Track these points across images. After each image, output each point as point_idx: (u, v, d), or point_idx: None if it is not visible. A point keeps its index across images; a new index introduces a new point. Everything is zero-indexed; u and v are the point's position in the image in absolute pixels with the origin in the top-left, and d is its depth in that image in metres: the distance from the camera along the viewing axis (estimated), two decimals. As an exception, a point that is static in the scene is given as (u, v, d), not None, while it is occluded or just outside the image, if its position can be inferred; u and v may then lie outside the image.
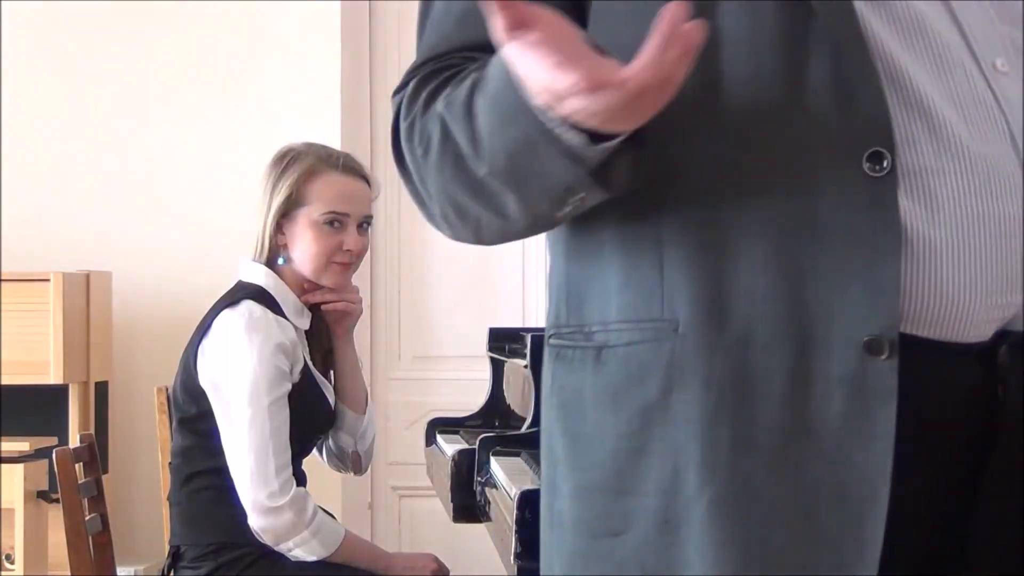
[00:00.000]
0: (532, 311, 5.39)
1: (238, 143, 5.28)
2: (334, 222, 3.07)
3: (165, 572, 3.12)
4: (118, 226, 5.34)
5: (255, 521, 2.96)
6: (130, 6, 5.33)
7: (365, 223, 3.13)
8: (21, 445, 4.72)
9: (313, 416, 3.12)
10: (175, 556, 3.10)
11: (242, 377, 2.96)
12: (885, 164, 1.32)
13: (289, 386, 3.00)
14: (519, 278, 5.42)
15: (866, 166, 1.32)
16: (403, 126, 1.43)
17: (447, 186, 1.40)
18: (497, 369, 3.87)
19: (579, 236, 1.46)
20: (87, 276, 5.05)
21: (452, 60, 1.43)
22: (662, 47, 1.17)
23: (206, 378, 3.01)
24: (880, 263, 1.31)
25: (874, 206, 1.32)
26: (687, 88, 1.26)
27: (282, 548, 2.99)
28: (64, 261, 5.17)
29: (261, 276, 3.08)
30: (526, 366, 3.29)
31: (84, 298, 5.02)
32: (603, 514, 1.41)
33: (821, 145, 1.34)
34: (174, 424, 3.14)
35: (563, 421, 1.46)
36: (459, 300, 5.43)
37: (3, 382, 4.85)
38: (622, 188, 1.34)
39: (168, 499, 3.19)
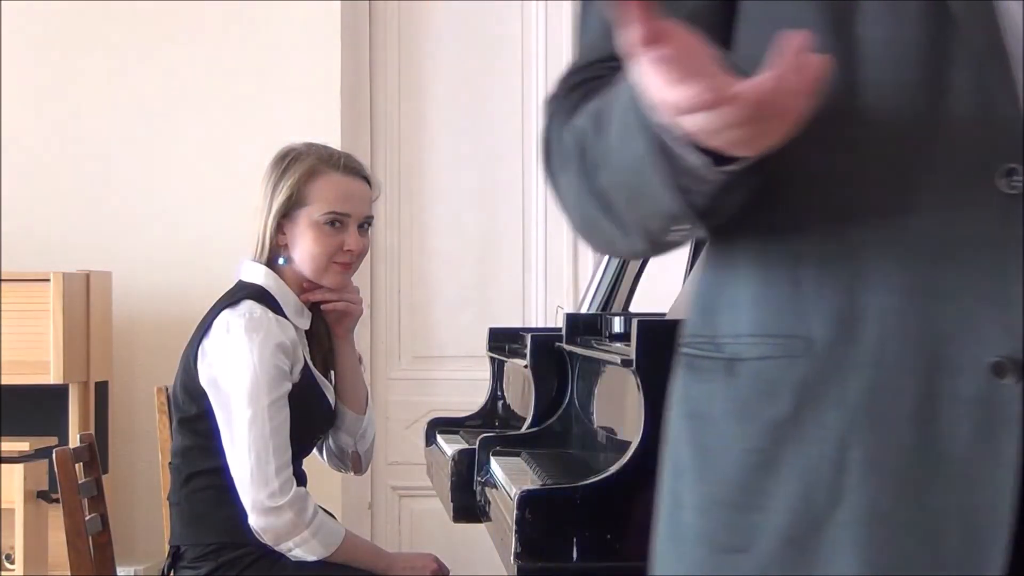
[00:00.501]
0: (532, 311, 5.40)
1: (238, 143, 5.28)
2: (335, 222, 3.08)
3: (165, 572, 3.12)
4: (118, 226, 5.34)
5: (255, 521, 2.95)
6: (130, 7, 5.33)
7: (366, 223, 3.14)
8: (21, 445, 4.72)
9: (313, 416, 3.12)
10: (175, 556, 3.10)
11: (242, 377, 2.97)
12: (1017, 180, 1.29)
13: (289, 386, 3.00)
14: (519, 278, 5.42)
15: (1000, 182, 1.29)
16: (552, 136, 1.42)
17: (581, 199, 1.39)
18: (497, 369, 3.87)
19: (716, 246, 1.44)
20: (87, 276, 5.05)
21: (599, 70, 1.41)
22: (783, 71, 1.17)
23: (206, 378, 3.01)
24: (1010, 283, 1.29)
25: (1006, 224, 1.29)
26: (823, 99, 1.23)
27: (282, 548, 2.99)
28: (64, 261, 5.17)
29: (261, 276, 3.08)
30: (526, 366, 3.29)
31: (84, 298, 5.02)
32: (727, 529, 1.39)
33: (956, 160, 1.31)
34: (174, 424, 3.14)
35: (691, 432, 1.43)
36: (459, 300, 5.43)
37: (3, 382, 4.85)
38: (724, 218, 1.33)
39: (168, 499, 3.18)
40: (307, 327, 3.13)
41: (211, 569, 3.03)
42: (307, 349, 3.12)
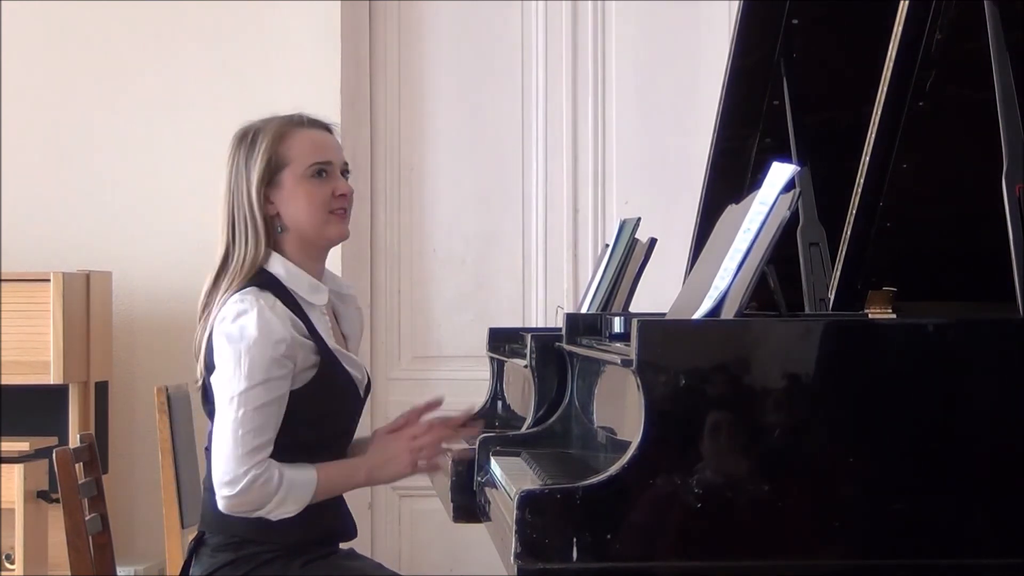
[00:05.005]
0: (532, 311, 5.40)
1: (238, 143, 5.28)
2: (321, 172, 3.08)
3: (188, 556, 3.12)
4: (118, 226, 5.34)
5: (220, 504, 2.95)
6: (130, 7, 5.33)
7: (345, 170, 3.14)
8: (21, 445, 4.72)
9: (344, 395, 3.09)
10: (199, 541, 3.10)
11: (227, 365, 2.96)
12: None
13: (284, 373, 2.96)
14: (519, 278, 5.42)
15: None
16: None
17: None
18: (497, 369, 3.87)
19: None
20: (87, 276, 5.05)
21: None
22: None
23: (214, 373, 3.01)
24: None
25: None
26: None
27: (259, 515, 2.98)
28: (64, 261, 5.17)
29: (276, 265, 3.06)
30: (526, 366, 3.29)
31: (84, 298, 5.02)
32: None
33: None
34: (207, 415, 3.12)
35: None
36: (459, 300, 5.43)
37: (3, 382, 4.85)
38: None
39: (203, 484, 3.17)
40: (324, 302, 3.11)
41: (228, 559, 3.03)
42: (326, 326, 3.09)
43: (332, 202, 3.08)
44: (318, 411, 3.02)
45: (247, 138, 3.12)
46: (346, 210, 3.11)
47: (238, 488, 2.95)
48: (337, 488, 3.07)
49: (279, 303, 3.00)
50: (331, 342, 3.07)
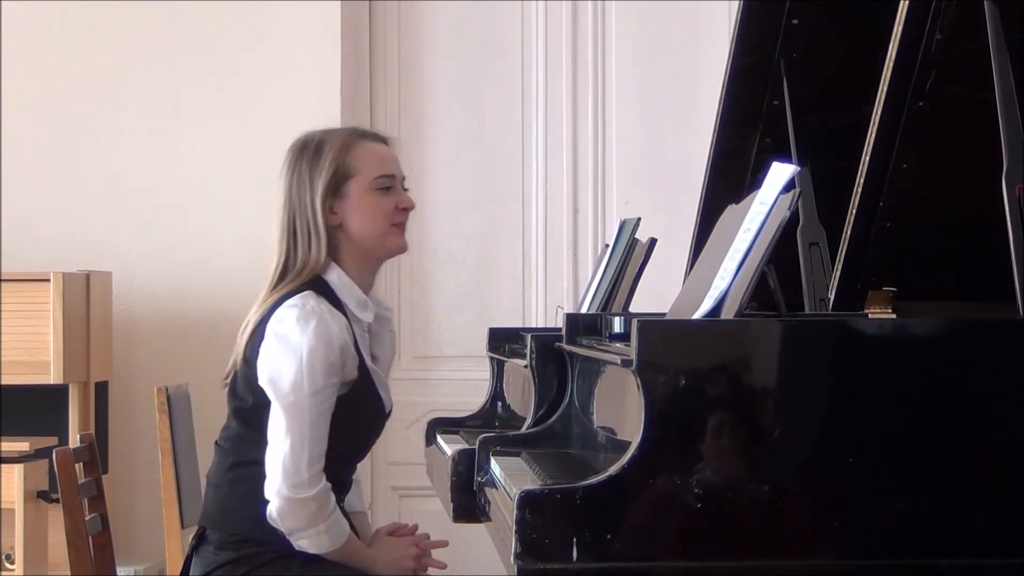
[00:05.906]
0: (532, 311, 5.40)
1: (238, 143, 5.28)
2: (386, 185, 3.11)
3: (190, 552, 3.12)
4: (118, 226, 5.34)
5: (276, 507, 2.94)
6: (131, 6, 5.33)
7: (404, 184, 3.18)
8: (21, 445, 4.72)
9: (368, 414, 3.11)
10: (200, 537, 3.10)
11: (288, 366, 2.96)
12: None
13: (336, 381, 2.99)
14: (519, 278, 5.42)
15: None
16: None
17: None
18: (497, 369, 3.87)
19: None
20: (87, 276, 5.05)
21: None
22: None
23: (260, 366, 3.01)
24: None
25: None
26: None
27: (292, 537, 2.98)
28: (64, 261, 5.17)
29: (332, 274, 3.09)
30: (526, 366, 3.29)
31: (84, 298, 5.02)
32: None
33: None
34: (230, 409, 3.12)
35: None
36: (459, 300, 5.43)
37: (3, 382, 4.85)
38: None
39: (207, 478, 3.16)
40: (370, 320, 3.13)
41: (230, 558, 3.03)
42: (366, 344, 3.11)
43: (394, 215, 3.14)
44: (343, 426, 3.03)
45: (310, 147, 3.13)
46: (404, 224, 3.16)
47: (307, 494, 2.95)
48: (349, 556, 3.08)
49: (335, 310, 3.03)
50: (368, 360, 3.09)
